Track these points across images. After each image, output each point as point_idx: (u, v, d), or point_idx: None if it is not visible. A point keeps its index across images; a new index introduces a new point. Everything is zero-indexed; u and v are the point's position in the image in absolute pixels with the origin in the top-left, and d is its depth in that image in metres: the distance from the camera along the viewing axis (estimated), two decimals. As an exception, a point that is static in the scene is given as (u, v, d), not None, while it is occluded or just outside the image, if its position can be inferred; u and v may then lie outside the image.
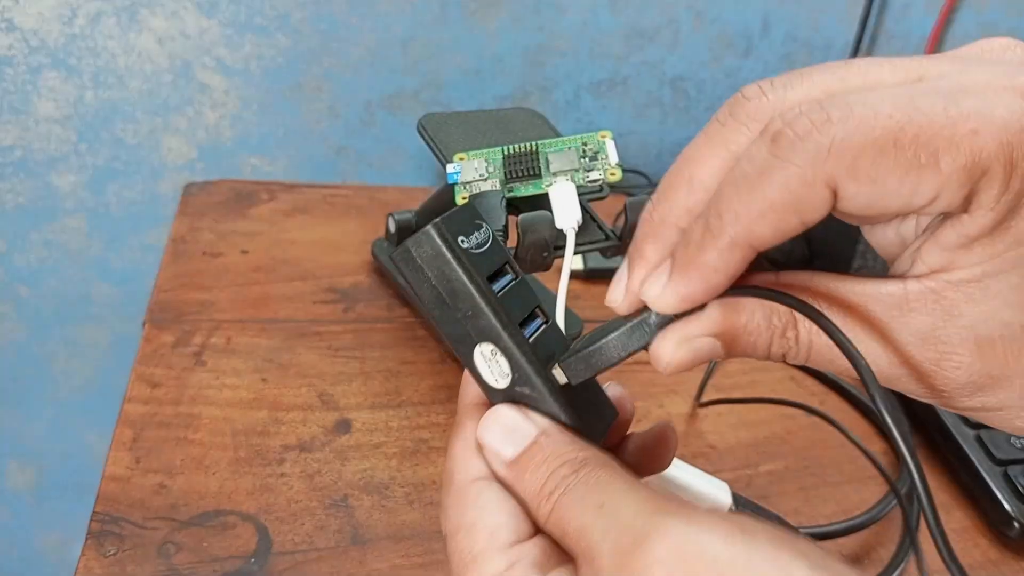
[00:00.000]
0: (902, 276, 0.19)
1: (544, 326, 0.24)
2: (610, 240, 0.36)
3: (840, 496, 0.42)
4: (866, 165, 0.18)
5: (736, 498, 0.35)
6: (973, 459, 0.42)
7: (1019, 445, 0.43)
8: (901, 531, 0.40)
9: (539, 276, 0.39)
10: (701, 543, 0.18)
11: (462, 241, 0.23)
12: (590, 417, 0.23)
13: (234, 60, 0.61)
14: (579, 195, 0.36)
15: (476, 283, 0.22)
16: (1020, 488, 0.41)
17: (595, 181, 0.36)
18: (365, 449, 0.40)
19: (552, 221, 0.35)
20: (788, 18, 0.70)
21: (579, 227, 0.35)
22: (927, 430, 0.46)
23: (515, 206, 0.36)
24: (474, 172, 0.36)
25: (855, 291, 0.20)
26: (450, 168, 0.36)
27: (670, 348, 0.21)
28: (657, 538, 0.18)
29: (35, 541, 0.82)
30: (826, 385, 0.50)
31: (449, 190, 0.37)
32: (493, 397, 0.23)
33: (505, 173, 0.36)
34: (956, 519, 0.42)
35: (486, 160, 0.36)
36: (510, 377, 0.23)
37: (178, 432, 0.39)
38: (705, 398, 0.46)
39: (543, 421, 0.22)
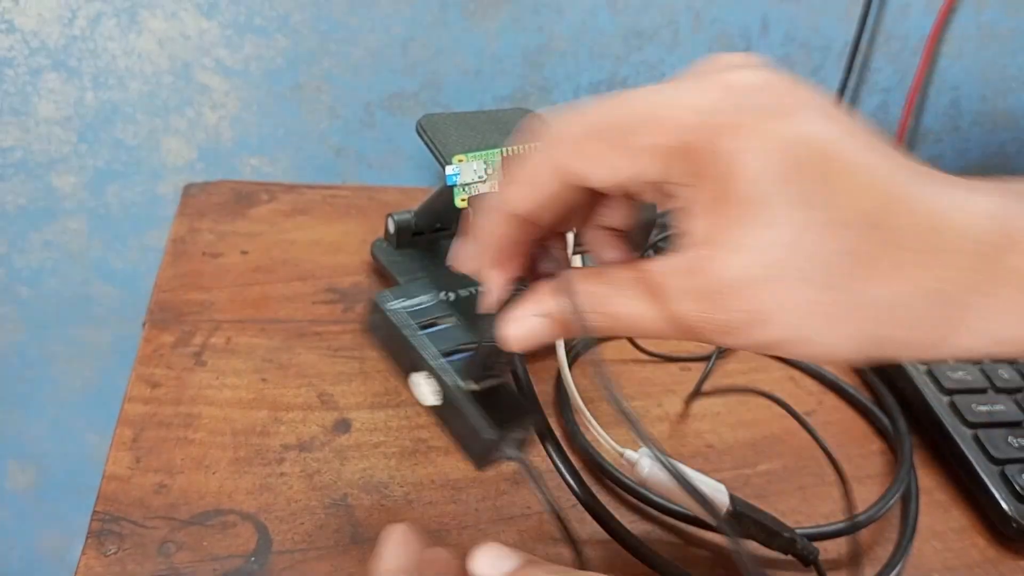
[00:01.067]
0: (676, 249, 0.24)
1: (471, 353, 0.30)
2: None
3: (838, 496, 0.42)
4: (583, 149, 0.23)
5: (733, 499, 0.35)
6: (971, 458, 0.43)
7: (1017, 445, 0.43)
8: (899, 531, 0.40)
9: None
10: None
11: (401, 302, 0.31)
12: (506, 413, 0.29)
13: (234, 61, 0.61)
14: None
15: (410, 329, 0.30)
16: (1017, 487, 0.41)
17: (593, 182, 0.36)
18: (364, 449, 0.40)
19: (550, 221, 0.35)
20: (787, 19, 0.70)
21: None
22: (925, 430, 0.46)
23: (514, 207, 0.36)
24: (473, 174, 0.36)
25: (645, 268, 0.24)
26: (449, 170, 0.36)
27: (507, 327, 0.26)
28: None
29: (35, 541, 0.82)
30: (824, 385, 0.50)
31: (448, 191, 0.37)
32: (435, 412, 0.30)
33: (504, 175, 0.36)
34: (954, 518, 0.42)
35: (484, 162, 0.36)
36: (441, 393, 0.29)
37: (178, 432, 0.39)
38: (704, 397, 0.47)
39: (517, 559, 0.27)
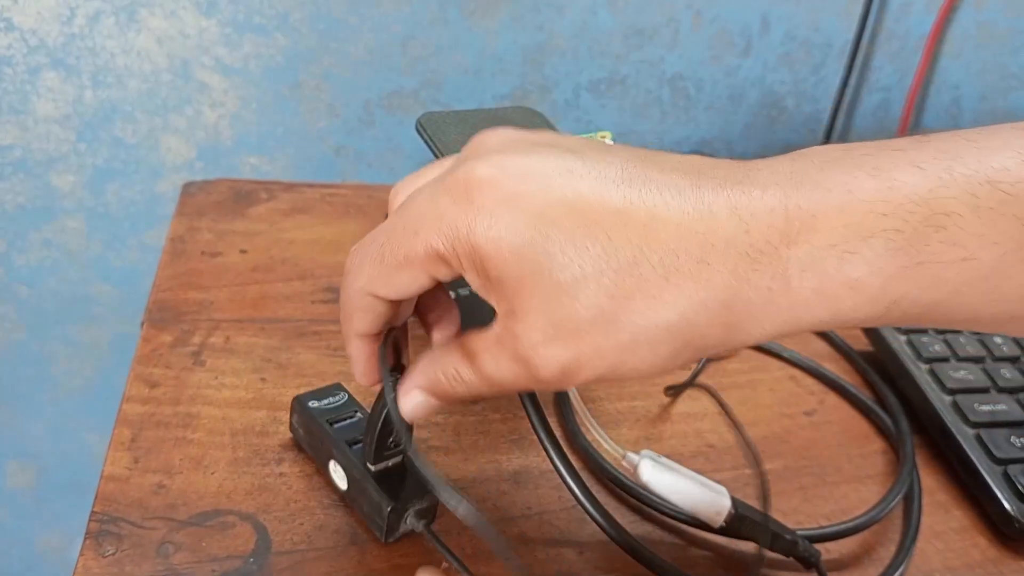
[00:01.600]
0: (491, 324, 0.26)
1: (365, 432, 0.34)
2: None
3: (839, 496, 0.42)
4: (373, 276, 0.27)
5: (734, 501, 0.35)
6: (973, 458, 0.42)
7: (1019, 444, 0.43)
8: (901, 531, 0.40)
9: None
10: None
11: (313, 404, 0.37)
12: (407, 488, 0.34)
13: (233, 59, 0.61)
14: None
15: (320, 426, 0.36)
16: (1020, 487, 0.41)
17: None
18: (364, 449, 0.40)
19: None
20: (787, 17, 0.70)
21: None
22: (927, 430, 0.46)
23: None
24: (472, 172, 0.36)
25: (467, 343, 0.27)
26: (448, 168, 0.36)
27: (399, 403, 0.29)
28: None
29: (35, 541, 0.82)
30: (826, 384, 0.50)
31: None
32: (345, 496, 0.36)
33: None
34: (956, 518, 0.42)
35: (484, 160, 0.36)
36: (347, 478, 0.35)
37: (177, 432, 0.39)
38: (704, 396, 0.47)
39: None
